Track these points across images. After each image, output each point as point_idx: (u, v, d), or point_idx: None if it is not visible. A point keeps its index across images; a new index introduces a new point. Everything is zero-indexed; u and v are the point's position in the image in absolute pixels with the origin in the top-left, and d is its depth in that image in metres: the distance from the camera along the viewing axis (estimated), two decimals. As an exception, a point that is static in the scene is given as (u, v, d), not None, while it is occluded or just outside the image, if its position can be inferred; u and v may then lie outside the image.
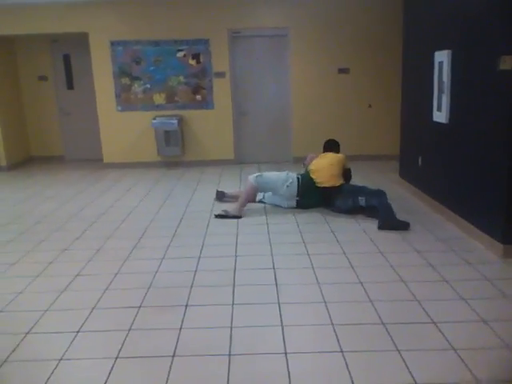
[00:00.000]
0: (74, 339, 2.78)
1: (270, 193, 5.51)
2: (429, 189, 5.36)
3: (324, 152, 5.61)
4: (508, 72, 3.61)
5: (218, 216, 5.10)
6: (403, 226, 4.58)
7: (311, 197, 5.27)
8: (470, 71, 4.29)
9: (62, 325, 2.96)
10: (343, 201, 5.11)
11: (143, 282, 3.53)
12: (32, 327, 2.92)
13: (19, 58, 8.75)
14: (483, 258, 3.82)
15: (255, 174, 5.37)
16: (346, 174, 5.44)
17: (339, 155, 5.44)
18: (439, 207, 5.02)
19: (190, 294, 3.31)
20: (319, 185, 5.21)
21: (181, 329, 2.86)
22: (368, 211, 4.97)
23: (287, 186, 5.23)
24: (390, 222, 4.62)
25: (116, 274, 3.70)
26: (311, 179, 5.25)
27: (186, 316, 3.01)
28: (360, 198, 4.98)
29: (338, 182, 5.21)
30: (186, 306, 3.15)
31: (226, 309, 3.09)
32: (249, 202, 5.33)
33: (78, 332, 2.86)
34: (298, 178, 5.28)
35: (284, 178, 5.28)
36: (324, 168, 5.27)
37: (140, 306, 3.15)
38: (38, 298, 3.32)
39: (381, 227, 4.62)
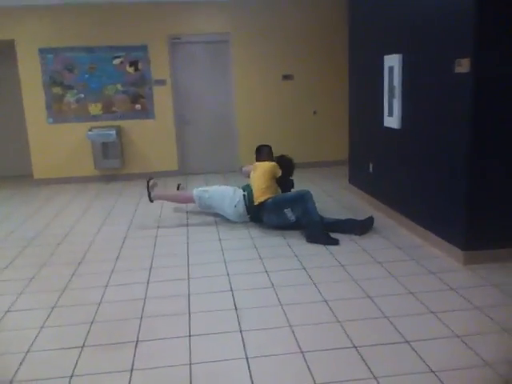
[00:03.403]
0: (3, 394, 2.36)
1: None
2: (381, 195, 5.26)
3: (256, 161, 5.13)
4: (463, 75, 3.53)
5: (148, 180, 5.31)
6: (332, 243, 4.30)
7: None
8: (422, 75, 4.21)
9: (-12, 376, 2.52)
10: (268, 217, 4.75)
11: (85, 315, 3.12)
12: (-49, 382, 2.46)
13: None
14: (445, 266, 3.71)
15: (199, 192, 5.14)
16: (283, 184, 4.89)
17: (266, 164, 4.89)
18: (393, 213, 4.92)
19: (140, 327, 2.95)
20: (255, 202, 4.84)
21: (132, 370, 2.50)
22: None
23: (235, 206, 4.94)
24: (317, 237, 4.35)
25: (53, 307, 3.26)
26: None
27: (137, 354, 2.65)
28: (286, 210, 4.57)
29: (264, 196, 4.73)
30: (137, 341, 2.79)
31: (182, 342, 2.76)
32: (170, 201, 5.60)
33: (8, 384, 2.44)
34: (244, 196, 4.94)
35: (231, 197, 4.96)
36: (254, 180, 4.87)
37: (83, 346, 2.76)
38: (-41, 344, 2.84)
39: (308, 241, 4.39)
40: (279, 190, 4.89)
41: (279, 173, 4.86)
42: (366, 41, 5.54)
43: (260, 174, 4.85)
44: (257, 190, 4.82)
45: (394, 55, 4.64)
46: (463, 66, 3.53)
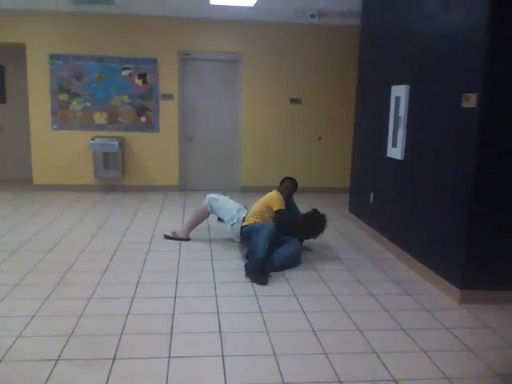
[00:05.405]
0: (-32, 405, 2.25)
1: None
2: (380, 226, 5.17)
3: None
4: (470, 110, 3.47)
5: (166, 237, 5.04)
6: (259, 282, 3.90)
7: None
8: (428, 107, 4.15)
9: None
10: (246, 244, 4.57)
11: (64, 327, 3.01)
12: None
13: None
14: (440, 304, 3.60)
15: (212, 196, 4.96)
16: (277, 217, 4.53)
17: (270, 194, 4.76)
18: (391, 246, 4.82)
19: (118, 344, 2.84)
20: None
21: (105, 390, 2.40)
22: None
23: (232, 225, 4.82)
24: (252, 274, 3.98)
25: (33, 316, 3.16)
26: None
27: (112, 372, 2.54)
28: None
29: (250, 220, 4.59)
30: (114, 359, 2.68)
31: (160, 363, 2.65)
32: (197, 224, 5.08)
33: (-26, 394, 2.33)
34: (243, 219, 4.76)
35: (232, 215, 4.81)
36: (255, 204, 4.81)
37: (58, 359, 2.65)
38: None
39: (246, 274, 4.06)
40: (270, 221, 4.56)
41: (276, 206, 4.57)
42: (374, 70, 5.52)
43: (262, 199, 4.80)
44: (250, 213, 4.74)
45: (402, 86, 4.60)
46: (470, 100, 3.47)
